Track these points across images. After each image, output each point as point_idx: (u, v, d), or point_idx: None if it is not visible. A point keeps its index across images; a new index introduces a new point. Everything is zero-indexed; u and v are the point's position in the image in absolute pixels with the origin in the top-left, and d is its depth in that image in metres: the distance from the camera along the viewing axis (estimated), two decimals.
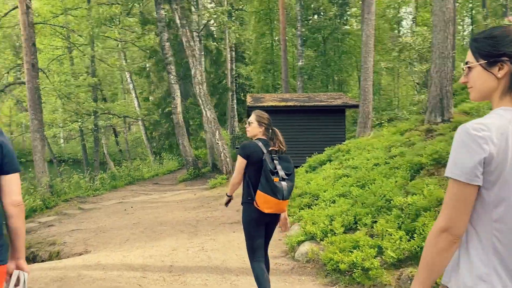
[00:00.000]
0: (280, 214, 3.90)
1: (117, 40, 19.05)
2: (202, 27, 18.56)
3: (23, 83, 14.53)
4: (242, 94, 32.82)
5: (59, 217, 11.52)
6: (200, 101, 15.32)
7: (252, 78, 33.35)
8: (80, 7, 16.27)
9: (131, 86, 28.95)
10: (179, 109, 17.59)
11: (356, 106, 15.47)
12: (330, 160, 10.84)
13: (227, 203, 4.13)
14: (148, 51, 24.26)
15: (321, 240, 5.95)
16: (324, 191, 8.08)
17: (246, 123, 4.25)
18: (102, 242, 8.07)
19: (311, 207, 7.67)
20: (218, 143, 15.13)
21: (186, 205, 11.75)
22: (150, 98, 30.71)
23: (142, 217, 10.30)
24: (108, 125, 20.58)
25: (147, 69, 28.29)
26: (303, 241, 6.15)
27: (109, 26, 15.99)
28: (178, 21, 15.28)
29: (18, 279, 2.13)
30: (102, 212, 11.70)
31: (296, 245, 6.15)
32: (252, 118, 3.94)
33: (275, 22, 28.04)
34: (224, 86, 28.48)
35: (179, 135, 17.66)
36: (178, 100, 17.46)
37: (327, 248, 5.51)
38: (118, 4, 15.79)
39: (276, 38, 28.86)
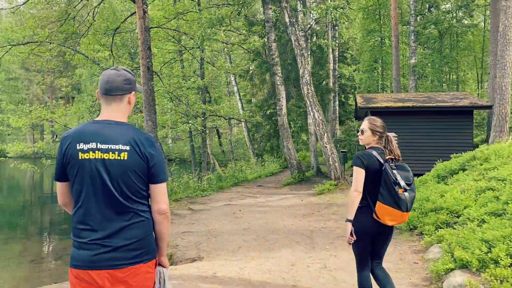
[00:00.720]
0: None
1: (225, 43, 19.27)
2: (309, 25, 17.86)
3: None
4: (343, 96, 31.50)
5: (171, 217, 11.69)
6: (308, 102, 14.61)
7: (355, 78, 31.81)
8: (191, 11, 16.64)
9: (235, 88, 29.40)
10: (284, 110, 17.09)
11: (488, 107, 13.48)
12: (464, 169, 9.36)
13: (352, 233, 3.60)
14: (251, 54, 24.35)
15: (478, 270, 4.82)
16: (466, 207, 6.82)
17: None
18: (214, 248, 7.75)
19: (453, 226, 6.47)
20: (326, 147, 14.28)
21: (295, 211, 11.12)
22: (252, 100, 30.94)
23: (252, 222, 9.89)
24: (213, 126, 20.95)
25: (250, 71, 28.48)
26: (452, 270, 5.06)
27: (218, 29, 16.06)
28: (287, 20, 14.76)
29: (160, 274, 2.41)
30: (211, 214, 11.60)
31: (443, 274, 5.09)
32: (365, 126, 3.71)
33: (384, 18, 26.28)
34: (325, 87, 27.48)
35: (284, 138, 17.15)
36: (283, 101, 16.98)
37: (493, 284, 4.39)
38: (229, 5, 15.80)
39: (385, 35, 27.02)
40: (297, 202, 12.73)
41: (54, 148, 50.53)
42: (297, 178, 16.66)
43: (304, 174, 17.14)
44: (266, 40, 20.16)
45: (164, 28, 15.40)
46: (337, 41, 25.65)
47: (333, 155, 14.20)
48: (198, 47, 17.50)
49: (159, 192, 2.30)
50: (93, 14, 13.87)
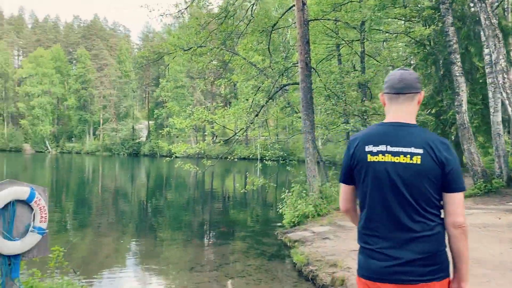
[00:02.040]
0: None
1: (388, 32, 17.21)
2: (498, 2, 14.58)
3: (296, 83, 14.32)
4: None
5: (334, 229, 10.30)
6: (505, 95, 11.65)
7: None
8: (352, 1, 15.11)
9: None
10: (465, 107, 14.20)
11: None
12: None
13: None
14: (415, 45, 21.57)
15: None
16: None
17: None
18: None
19: None
20: None
21: (496, 234, 8.62)
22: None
23: None
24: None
25: (411, 66, 25.49)
26: None
27: (388, 12, 14.16)
28: None
29: None
30: None
31: None
32: None
33: None
34: None
35: (464, 139, 14.25)
36: (463, 96, 14.12)
37: None
38: None
39: None
40: (493, 221, 10.04)
41: (214, 149, 54.70)
42: (483, 188, 13.64)
43: (492, 184, 13.97)
44: (435, 27, 17.37)
45: (323, 19, 14.21)
46: None
47: None
48: (358, 40, 15.81)
49: (456, 203, 2.09)
50: (251, 11, 13.53)
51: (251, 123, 13.40)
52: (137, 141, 67.95)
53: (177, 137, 56.71)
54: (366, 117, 16.81)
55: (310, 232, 10.32)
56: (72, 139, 76.92)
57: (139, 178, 34.66)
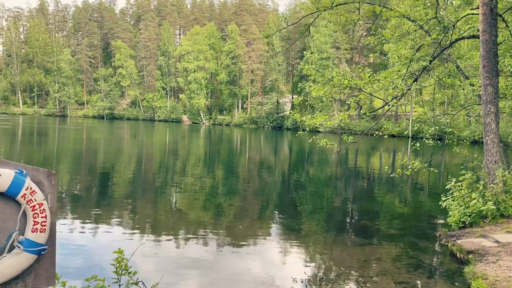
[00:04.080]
0: None
1: None
2: None
3: (474, 36, 10.78)
4: None
5: None
6: None
7: None
8: None
9: None
10: None
11: None
12: None
13: None
14: None
15: None
16: None
17: None
18: None
19: None
20: None
21: None
22: None
23: None
24: None
25: None
26: None
27: None
28: None
29: None
30: None
31: None
32: None
33: None
34: None
35: None
36: None
37: None
38: None
39: None
40: None
41: (359, 125, 51.10)
42: None
43: None
44: None
45: None
46: None
47: None
48: None
49: None
50: None
51: (409, 89, 10.50)
52: (281, 114, 68.21)
53: (320, 111, 54.65)
54: None
55: (491, 240, 7.32)
56: (223, 111, 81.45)
57: (282, 151, 33.98)
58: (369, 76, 10.96)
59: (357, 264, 7.16)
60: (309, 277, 6.61)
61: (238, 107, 78.69)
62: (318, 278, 6.59)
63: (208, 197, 12.91)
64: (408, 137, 44.72)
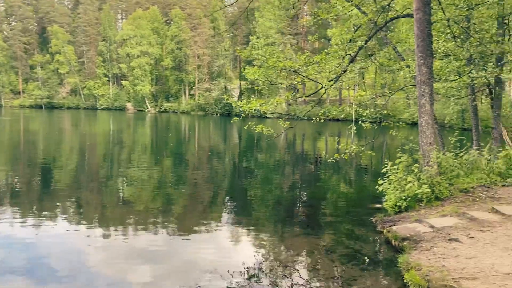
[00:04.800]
0: None
1: None
2: None
3: (408, 15, 10.56)
4: None
5: (464, 223, 6.95)
6: None
7: None
8: None
9: None
10: None
11: None
12: None
13: None
14: None
15: None
16: None
17: None
18: None
19: None
20: None
21: None
22: None
23: None
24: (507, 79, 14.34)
25: None
26: None
27: None
28: None
29: None
30: None
31: None
32: None
33: None
34: None
35: None
36: None
37: None
38: None
39: None
40: None
41: (305, 109, 51.38)
42: None
43: None
44: None
45: None
46: None
47: None
48: None
49: None
50: None
51: (344, 72, 10.14)
52: (229, 100, 67.41)
53: (268, 97, 54.40)
54: (502, 63, 12.40)
55: (426, 225, 7.11)
56: (170, 98, 79.12)
57: (231, 138, 33.45)
58: (305, 58, 10.50)
59: (291, 258, 6.69)
60: (254, 266, 6.22)
61: (185, 93, 76.84)
62: (258, 268, 6.06)
63: (156, 187, 12.55)
64: (352, 120, 45.60)
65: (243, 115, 10.88)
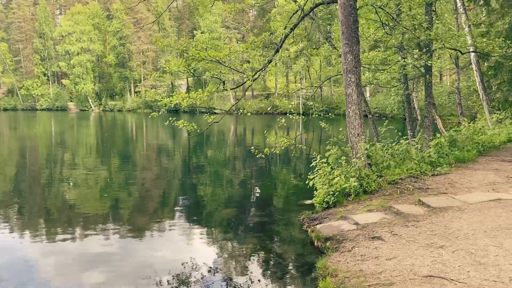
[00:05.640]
0: None
1: None
2: None
3: (333, 1, 10.15)
4: None
5: (389, 218, 6.56)
6: None
7: None
8: None
9: (463, 17, 21.35)
10: None
11: None
12: None
13: None
14: None
15: None
16: None
17: None
18: None
19: None
20: None
21: None
22: (489, 31, 22.27)
23: None
24: (438, 67, 14.49)
25: None
26: None
27: None
28: None
29: None
30: (469, 220, 6.02)
31: None
32: None
33: None
34: None
35: None
36: None
37: None
38: None
39: None
40: None
41: (253, 104, 50.91)
42: None
43: None
44: None
45: None
46: None
47: None
48: None
49: None
50: None
51: (269, 62, 9.57)
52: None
53: (217, 92, 53.46)
54: (431, 50, 12.35)
55: (351, 222, 6.66)
56: (114, 96, 76.04)
57: (180, 135, 32.27)
58: (230, 48, 9.82)
59: (221, 261, 6.01)
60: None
61: (130, 91, 74.15)
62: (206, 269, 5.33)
63: (103, 189, 12.00)
64: (299, 114, 45.76)
65: (163, 109, 10.08)
